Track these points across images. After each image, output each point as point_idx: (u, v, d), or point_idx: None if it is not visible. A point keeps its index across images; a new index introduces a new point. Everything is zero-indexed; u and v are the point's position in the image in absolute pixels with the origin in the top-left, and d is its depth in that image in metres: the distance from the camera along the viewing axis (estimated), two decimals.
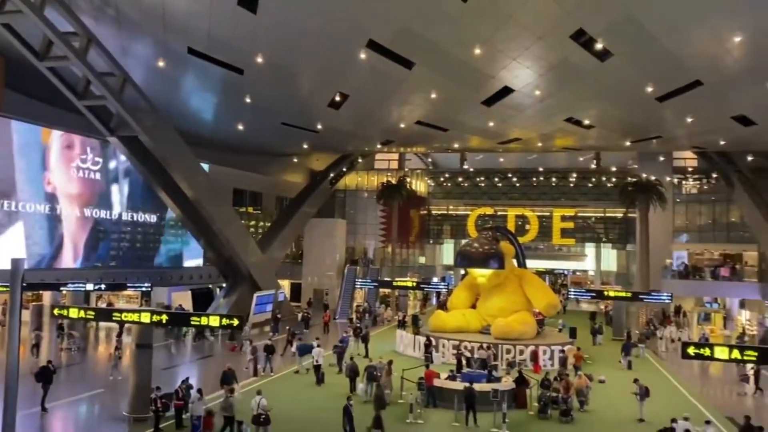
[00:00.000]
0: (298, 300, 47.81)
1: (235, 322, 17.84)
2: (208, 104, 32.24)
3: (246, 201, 46.59)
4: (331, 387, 22.44)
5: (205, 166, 35.38)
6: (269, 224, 45.52)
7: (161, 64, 25.46)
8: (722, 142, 35.37)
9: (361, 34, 22.14)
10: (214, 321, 18.82)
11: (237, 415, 16.35)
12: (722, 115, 28.48)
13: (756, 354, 17.26)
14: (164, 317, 18.63)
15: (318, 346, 23.96)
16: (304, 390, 22.25)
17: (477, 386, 19.18)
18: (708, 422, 16.50)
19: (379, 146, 41.82)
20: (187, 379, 18.49)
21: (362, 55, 23.20)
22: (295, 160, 48.93)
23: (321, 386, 22.64)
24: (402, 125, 33.36)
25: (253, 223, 46.71)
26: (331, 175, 47.73)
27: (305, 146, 40.51)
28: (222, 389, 19.07)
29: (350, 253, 51.48)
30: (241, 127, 34.42)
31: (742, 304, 42.89)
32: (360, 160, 49.94)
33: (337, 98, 28.55)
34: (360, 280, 44.19)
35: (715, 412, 20.14)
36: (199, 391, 17.44)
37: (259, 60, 24.23)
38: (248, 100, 29.29)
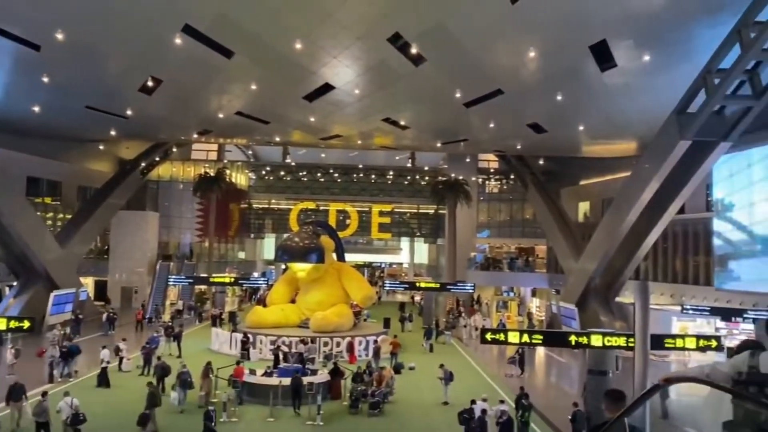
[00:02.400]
0: (103, 299, 44.41)
1: (26, 324, 16.28)
2: None
3: (43, 191, 42.17)
4: (138, 389, 21.19)
5: None
6: (70, 216, 41.62)
7: None
8: (519, 147, 39.05)
9: (176, 18, 21.03)
10: None
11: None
12: (519, 122, 31.46)
13: (542, 337, 19.48)
14: None
15: (104, 347, 22.77)
16: (107, 394, 20.85)
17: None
18: (502, 401, 18.27)
19: (196, 136, 40.08)
20: None
21: (177, 40, 22.04)
22: (102, 147, 45.11)
23: (118, 389, 21.37)
24: (221, 115, 32.29)
25: (51, 215, 42.33)
26: (143, 164, 44.87)
27: (113, 133, 37.51)
28: (7, 405, 17.13)
29: (163, 248, 48.85)
30: (37, 109, 30.94)
31: (534, 293, 47.99)
32: (175, 150, 47.56)
33: (150, 83, 26.78)
34: (174, 276, 42.29)
35: (508, 392, 22.29)
36: None
37: (59, 37, 21.91)
38: (46, 79, 26.42)
